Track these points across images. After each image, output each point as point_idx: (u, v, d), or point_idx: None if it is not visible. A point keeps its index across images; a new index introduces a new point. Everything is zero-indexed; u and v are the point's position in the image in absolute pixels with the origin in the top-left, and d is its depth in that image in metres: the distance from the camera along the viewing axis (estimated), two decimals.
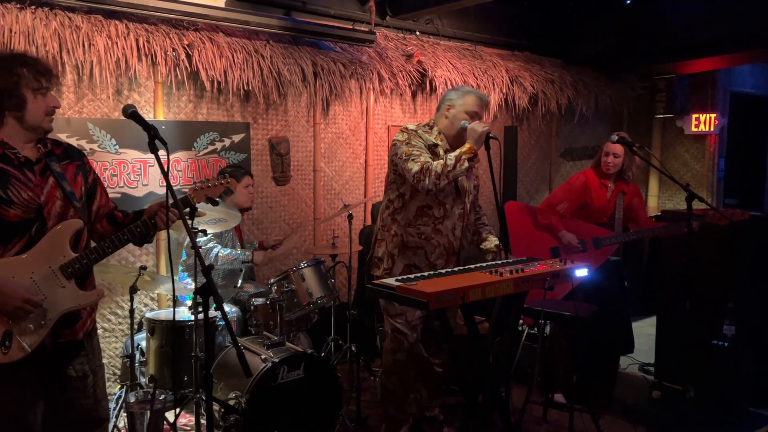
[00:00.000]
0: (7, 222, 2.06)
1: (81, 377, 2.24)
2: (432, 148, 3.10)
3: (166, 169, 2.09)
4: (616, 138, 3.88)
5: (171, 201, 2.22)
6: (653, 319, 4.52)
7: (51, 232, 2.13)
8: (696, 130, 6.93)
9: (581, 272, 2.68)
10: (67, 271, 2.14)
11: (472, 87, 5.38)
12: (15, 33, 3.39)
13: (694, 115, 6.92)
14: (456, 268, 2.75)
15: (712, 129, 6.85)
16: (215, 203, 2.48)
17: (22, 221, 2.08)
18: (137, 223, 2.23)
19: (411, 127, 3.15)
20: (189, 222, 2.28)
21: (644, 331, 5.23)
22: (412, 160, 2.99)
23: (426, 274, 2.59)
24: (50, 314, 2.11)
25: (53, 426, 2.22)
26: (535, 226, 4.18)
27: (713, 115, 6.83)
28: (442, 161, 2.96)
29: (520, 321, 4.40)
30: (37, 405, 2.15)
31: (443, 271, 2.67)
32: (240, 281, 3.98)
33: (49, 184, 2.15)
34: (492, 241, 3.28)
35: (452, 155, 2.96)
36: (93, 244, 2.25)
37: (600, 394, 4.10)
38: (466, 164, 2.94)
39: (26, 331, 2.08)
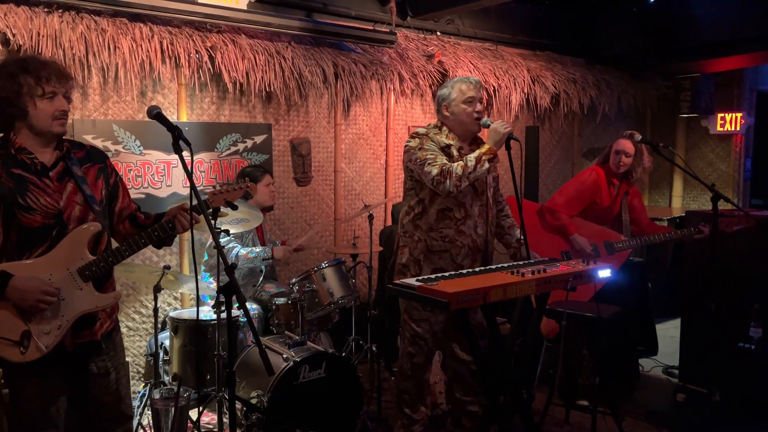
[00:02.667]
0: (28, 228, 2.09)
1: (103, 374, 2.27)
2: (445, 150, 3.07)
3: (189, 169, 2.10)
4: (639, 138, 3.83)
5: (191, 204, 2.23)
6: (677, 321, 4.45)
7: (69, 235, 2.15)
8: (722, 129, 6.82)
9: (604, 273, 2.65)
10: (84, 274, 2.16)
11: (494, 86, 5.38)
12: (43, 36, 3.46)
13: (720, 115, 6.80)
14: (477, 269, 2.74)
15: (738, 128, 6.73)
16: (234, 207, 2.48)
17: (43, 227, 2.11)
18: (155, 227, 2.24)
19: (421, 131, 3.12)
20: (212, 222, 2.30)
21: (668, 333, 5.17)
22: (429, 164, 2.96)
23: (447, 274, 2.58)
24: (67, 316, 2.14)
25: (78, 422, 2.27)
26: (543, 226, 4.01)
27: (739, 115, 6.71)
28: (462, 163, 2.94)
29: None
30: (60, 400, 2.20)
31: (464, 271, 2.65)
32: (261, 279, 4.01)
33: (68, 188, 2.17)
34: (513, 236, 3.26)
35: (472, 156, 2.94)
36: (115, 245, 2.27)
37: (623, 396, 4.05)
38: (487, 165, 2.93)
39: (43, 331, 2.12)
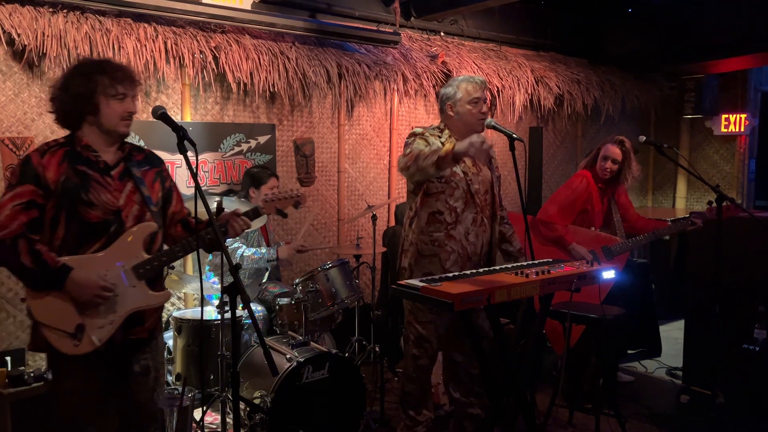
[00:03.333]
0: (88, 223, 2.17)
1: (144, 372, 2.36)
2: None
3: (194, 170, 2.14)
4: (643, 138, 3.81)
5: (245, 210, 2.37)
6: (681, 323, 4.44)
7: (126, 233, 2.23)
8: (726, 130, 6.81)
9: (608, 274, 2.65)
10: (138, 272, 2.24)
11: (498, 87, 5.37)
12: (47, 36, 3.47)
13: (724, 116, 6.79)
14: (481, 270, 2.73)
15: (742, 129, 6.72)
16: (284, 215, 2.55)
17: (102, 222, 2.19)
18: (208, 230, 2.31)
19: (418, 130, 3.07)
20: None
21: (672, 334, 5.16)
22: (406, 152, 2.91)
23: (451, 275, 2.57)
24: (120, 312, 2.22)
25: (113, 420, 2.34)
26: (537, 239, 3.84)
27: (743, 116, 6.70)
28: (429, 147, 2.84)
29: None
30: (102, 397, 2.26)
31: (468, 272, 2.64)
32: (265, 279, 4.01)
33: (127, 188, 2.26)
34: (515, 246, 3.23)
35: (434, 146, 2.83)
36: (165, 247, 2.35)
37: (627, 398, 4.04)
38: (432, 160, 2.70)
39: (97, 326, 2.19)
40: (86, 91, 2.18)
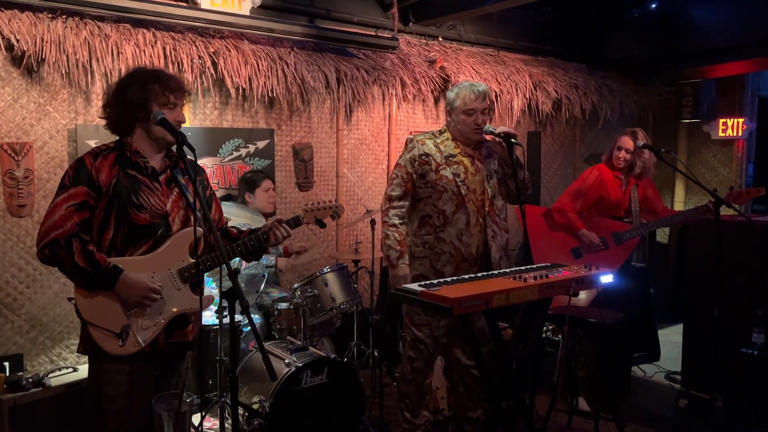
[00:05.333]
0: (137, 225, 2.24)
1: (178, 375, 2.44)
2: (422, 158, 3.10)
3: (193, 175, 2.20)
4: (641, 140, 3.85)
5: (287, 219, 2.45)
6: (680, 327, 4.44)
7: (174, 237, 2.29)
8: (723, 135, 6.82)
9: (606, 278, 2.65)
10: (183, 275, 2.30)
11: (496, 92, 5.38)
12: (46, 42, 3.47)
13: (722, 120, 6.80)
14: (479, 274, 2.73)
15: (740, 134, 6.73)
16: (323, 225, 2.62)
17: (150, 225, 2.26)
18: (251, 237, 2.42)
19: (411, 138, 3.19)
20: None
21: (671, 338, 5.16)
22: (388, 186, 3.19)
23: (449, 279, 2.58)
24: (165, 314, 2.28)
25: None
26: (550, 227, 4.15)
27: (741, 120, 6.71)
28: (391, 228, 3.09)
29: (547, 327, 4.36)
30: (145, 399, 2.26)
31: (467, 276, 2.65)
32: (262, 286, 4.01)
33: (174, 193, 2.34)
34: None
35: (395, 253, 3.06)
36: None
37: (626, 402, 4.04)
38: (388, 258, 3.08)
39: (142, 327, 2.25)
40: (141, 98, 2.24)
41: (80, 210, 2.19)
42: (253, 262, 3.80)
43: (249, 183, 4.00)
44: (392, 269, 3.06)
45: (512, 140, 2.94)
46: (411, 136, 3.21)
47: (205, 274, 3.92)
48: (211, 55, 4.02)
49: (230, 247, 2.39)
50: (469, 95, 3.08)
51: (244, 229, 2.56)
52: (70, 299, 2.30)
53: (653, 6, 5.79)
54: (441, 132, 3.21)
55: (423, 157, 3.10)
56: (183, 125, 2.36)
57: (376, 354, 4.03)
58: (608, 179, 4.13)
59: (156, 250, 2.27)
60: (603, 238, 4.03)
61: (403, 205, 3.13)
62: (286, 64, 4.31)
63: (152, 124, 2.24)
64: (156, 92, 2.24)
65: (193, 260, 2.31)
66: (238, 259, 3.73)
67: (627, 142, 4.05)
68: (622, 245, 4.02)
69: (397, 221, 3.11)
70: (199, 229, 2.30)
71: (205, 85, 4.05)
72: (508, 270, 2.81)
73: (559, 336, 4.06)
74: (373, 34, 4.87)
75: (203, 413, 3.37)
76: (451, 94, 3.16)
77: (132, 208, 2.22)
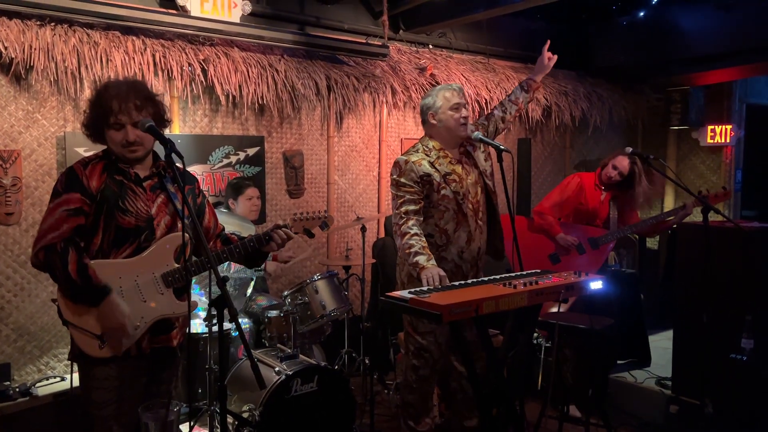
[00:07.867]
0: (121, 228, 2.26)
1: (167, 382, 2.44)
2: (424, 178, 3.06)
3: (181, 183, 2.17)
4: (630, 150, 3.87)
5: (283, 223, 2.44)
6: (670, 333, 4.45)
7: (159, 241, 2.31)
8: (712, 141, 6.87)
9: (596, 285, 2.66)
10: (167, 280, 2.31)
11: (486, 99, 5.40)
12: (35, 49, 3.46)
13: (710, 127, 6.86)
14: (470, 281, 2.74)
15: (728, 141, 6.79)
16: (311, 235, 2.62)
17: (135, 228, 2.28)
18: (251, 237, 2.42)
19: (401, 159, 3.10)
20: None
21: (661, 344, 5.16)
22: (397, 207, 3.05)
23: (440, 286, 2.58)
24: (146, 318, 2.28)
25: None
26: (530, 229, 4.21)
27: (729, 127, 6.77)
28: (413, 237, 2.95)
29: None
30: (134, 405, 2.27)
31: (456, 283, 2.66)
32: (250, 290, 3.99)
33: (159, 199, 2.34)
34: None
35: (416, 257, 2.90)
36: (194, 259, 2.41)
37: (616, 408, 4.04)
38: (412, 265, 2.93)
39: None
40: (94, 117, 2.29)
41: (75, 215, 2.21)
42: (241, 266, 3.79)
43: (234, 189, 3.98)
44: (424, 271, 2.85)
45: (501, 148, 2.95)
46: (404, 158, 3.11)
47: (193, 281, 3.92)
48: (200, 63, 4.01)
49: (228, 249, 2.39)
50: (448, 93, 3.11)
51: (247, 236, 2.55)
52: (53, 300, 2.31)
53: (642, 14, 5.84)
54: (426, 145, 3.14)
55: (425, 177, 3.07)
56: (172, 133, 2.36)
57: (367, 361, 4.02)
58: (588, 187, 4.19)
59: (140, 254, 2.28)
60: (579, 243, 4.10)
61: (420, 218, 3.05)
62: (277, 71, 4.31)
63: (108, 142, 2.28)
64: (102, 115, 2.26)
65: (177, 265, 2.31)
66: (225, 265, 3.76)
67: (624, 164, 4.06)
68: (599, 249, 4.08)
69: (418, 231, 2.99)
70: (185, 235, 2.30)
71: (195, 92, 4.04)
72: (497, 277, 2.82)
73: (540, 339, 4.09)
74: (364, 41, 4.88)
75: (192, 422, 3.35)
76: (428, 100, 3.16)
77: (119, 212, 2.25)
